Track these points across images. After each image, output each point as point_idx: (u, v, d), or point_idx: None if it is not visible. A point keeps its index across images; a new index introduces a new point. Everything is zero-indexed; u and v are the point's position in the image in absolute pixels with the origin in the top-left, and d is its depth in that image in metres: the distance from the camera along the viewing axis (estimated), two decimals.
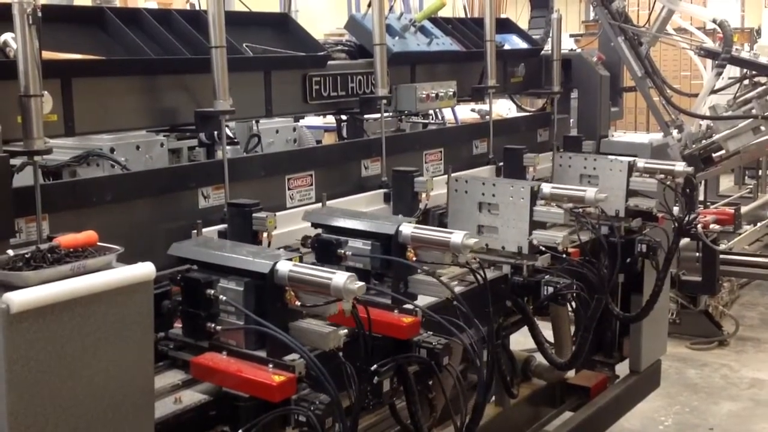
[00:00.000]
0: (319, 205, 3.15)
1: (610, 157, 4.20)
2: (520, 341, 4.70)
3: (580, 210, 3.48)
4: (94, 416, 1.82)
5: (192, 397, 2.23)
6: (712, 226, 6.71)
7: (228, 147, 3.20)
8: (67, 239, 1.93)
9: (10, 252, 1.85)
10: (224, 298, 2.28)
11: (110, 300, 1.83)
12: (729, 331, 6.96)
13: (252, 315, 2.23)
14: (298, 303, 2.25)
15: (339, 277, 2.16)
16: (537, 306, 3.38)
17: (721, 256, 6.66)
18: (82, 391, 1.79)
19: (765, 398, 5.86)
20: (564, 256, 3.35)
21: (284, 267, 2.23)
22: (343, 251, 2.72)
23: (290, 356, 2.21)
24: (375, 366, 2.48)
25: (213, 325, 2.30)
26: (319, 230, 2.91)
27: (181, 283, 2.34)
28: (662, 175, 4.05)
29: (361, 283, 2.19)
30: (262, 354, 2.25)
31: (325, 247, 2.75)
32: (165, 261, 2.45)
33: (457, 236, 2.71)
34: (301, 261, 2.30)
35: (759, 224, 8.27)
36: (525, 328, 3.91)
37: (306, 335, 2.25)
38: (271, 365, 2.19)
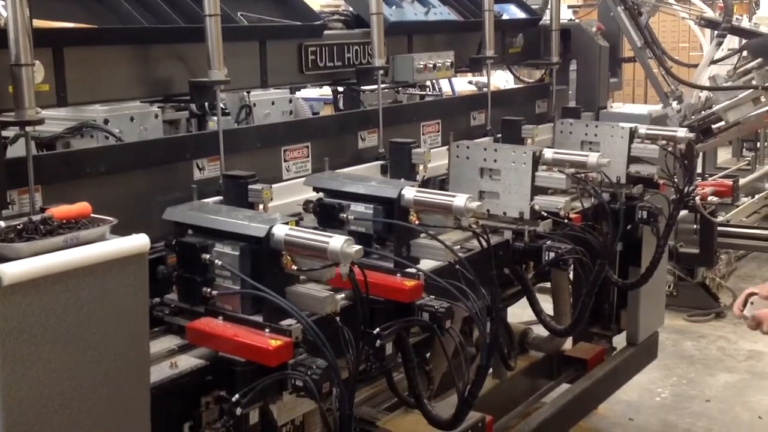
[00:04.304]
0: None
1: (611, 123, 4.17)
2: (517, 314, 4.70)
3: (582, 175, 3.46)
4: (88, 389, 1.81)
5: (188, 361, 2.23)
6: (710, 198, 6.70)
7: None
8: (60, 211, 1.91)
9: (2, 223, 1.83)
10: (220, 262, 2.26)
11: (104, 272, 1.81)
12: (726, 304, 6.96)
13: (248, 279, 2.21)
14: (294, 267, 2.23)
15: (336, 241, 2.14)
16: (538, 271, 3.37)
17: (719, 228, 6.66)
18: (76, 364, 1.78)
19: (761, 370, 5.88)
20: (566, 221, 3.33)
21: (280, 231, 2.21)
22: (345, 215, 2.71)
23: (287, 321, 2.20)
24: (377, 329, 2.47)
25: (208, 289, 2.29)
26: (321, 194, 2.89)
27: (177, 247, 2.32)
28: (664, 141, 4.01)
29: (359, 247, 2.16)
30: (259, 319, 2.23)
31: (327, 212, 2.74)
32: (159, 233, 2.43)
33: (459, 199, 2.69)
34: (297, 225, 2.27)
35: (757, 196, 8.24)
36: (522, 301, 3.91)
37: (303, 300, 2.23)
38: (267, 330, 2.18)
